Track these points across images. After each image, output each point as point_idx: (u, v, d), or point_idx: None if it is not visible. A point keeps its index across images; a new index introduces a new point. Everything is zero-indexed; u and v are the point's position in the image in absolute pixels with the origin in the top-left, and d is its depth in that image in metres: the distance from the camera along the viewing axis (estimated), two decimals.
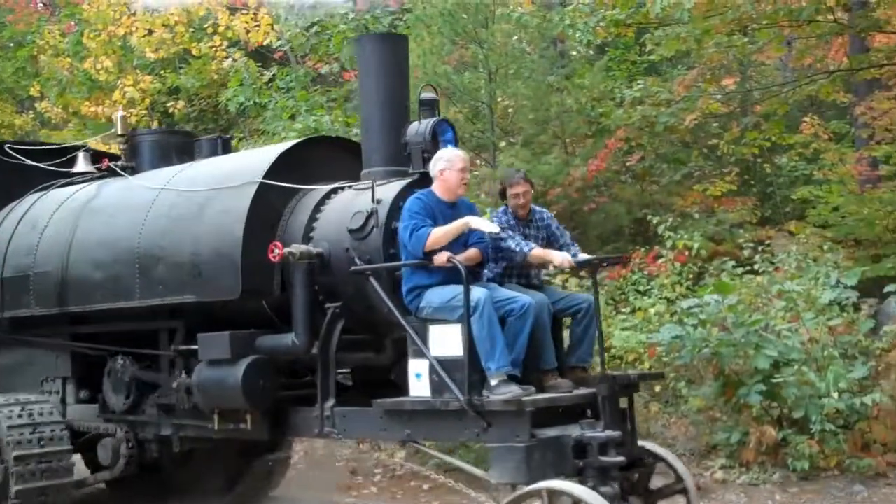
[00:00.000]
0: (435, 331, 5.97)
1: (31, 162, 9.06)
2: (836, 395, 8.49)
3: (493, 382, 5.75)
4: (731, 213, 14.37)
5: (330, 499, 9.40)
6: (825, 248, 11.64)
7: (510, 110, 15.29)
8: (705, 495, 8.40)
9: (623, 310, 11.11)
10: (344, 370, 7.27)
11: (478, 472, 6.28)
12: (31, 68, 20.93)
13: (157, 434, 7.67)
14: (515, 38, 15.16)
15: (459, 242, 6.16)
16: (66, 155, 9.27)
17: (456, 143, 6.69)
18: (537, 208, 6.85)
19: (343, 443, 10.60)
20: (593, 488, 5.46)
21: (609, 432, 5.67)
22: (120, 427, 7.79)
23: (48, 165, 9.07)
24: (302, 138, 8.85)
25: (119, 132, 8.91)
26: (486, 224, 6.12)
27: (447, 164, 6.26)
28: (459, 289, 5.83)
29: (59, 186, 8.98)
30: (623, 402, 6.08)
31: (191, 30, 17.62)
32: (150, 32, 17.31)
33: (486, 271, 6.48)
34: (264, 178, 6.86)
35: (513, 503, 5.54)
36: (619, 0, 13.89)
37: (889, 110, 15.62)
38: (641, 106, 14.85)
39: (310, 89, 16.47)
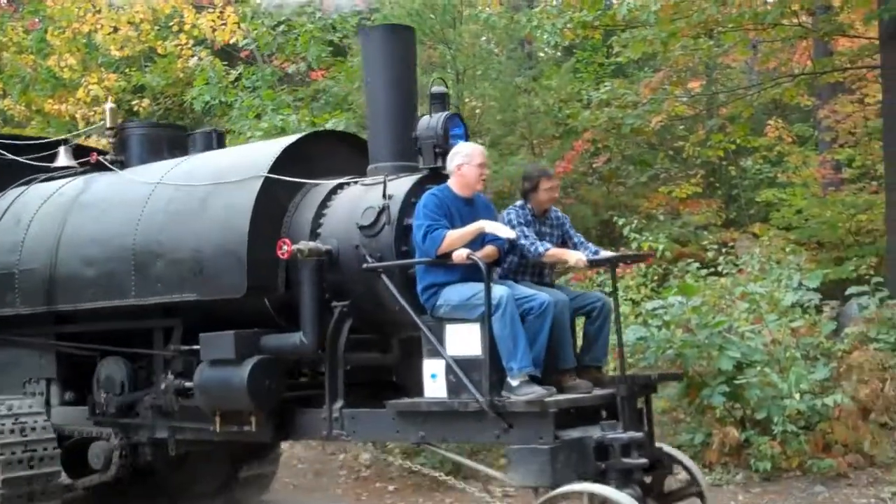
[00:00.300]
0: (452, 330, 5.82)
1: (10, 156, 8.71)
2: (797, 396, 8.55)
3: (515, 383, 5.61)
4: (696, 216, 14.49)
5: (295, 500, 9.35)
6: (788, 250, 11.75)
7: (478, 111, 15.30)
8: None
9: None
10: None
11: (495, 473, 6.18)
12: None
13: (151, 437, 7.36)
14: (483, 39, 15.20)
15: (475, 240, 6.00)
16: (46, 149, 8.92)
17: (467, 138, 6.55)
18: (552, 207, 6.69)
19: (309, 445, 10.55)
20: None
21: (632, 433, 5.56)
22: (113, 430, 7.48)
23: (29, 160, 8.72)
24: (307, 132, 8.54)
25: (108, 125, 8.56)
26: (502, 229, 5.97)
27: (465, 158, 6.10)
28: (479, 286, 5.69)
29: (42, 181, 8.66)
30: (639, 403, 5.97)
31: (156, 28, 17.46)
32: (116, 30, 17.13)
33: (498, 268, 6.34)
34: (269, 172, 6.66)
35: None
36: (587, 2, 13.94)
37: (852, 114, 15.84)
38: (608, 108, 14.94)
39: (276, 89, 16.38)
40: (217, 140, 8.31)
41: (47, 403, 7.97)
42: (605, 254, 6.50)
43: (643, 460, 5.55)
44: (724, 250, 11.12)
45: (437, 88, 6.65)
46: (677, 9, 13.37)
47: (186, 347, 6.96)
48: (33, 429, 7.43)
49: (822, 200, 15.24)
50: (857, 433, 8.74)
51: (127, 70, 17.95)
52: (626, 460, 5.51)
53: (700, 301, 9.28)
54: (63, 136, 9.69)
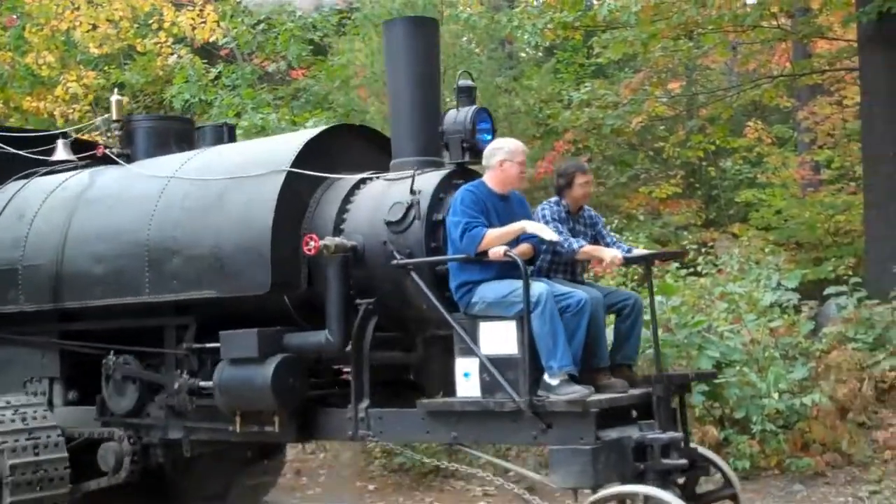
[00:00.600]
0: (486, 328, 5.65)
1: (10, 149, 8.42)
2: (776, 395, 8.59)
3: (554, 382, 5.43)
4: (676, 216, 14.54)
5: (275, 499, 9.31)
6: (767, 250, 11.81)
7: None
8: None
9: None
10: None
11: (536, 476, 6.07)
12: None
13: (163, 438, 7.12)
14: (464, 38, 15.19)
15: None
16: (42, 142, 8.62)
17: (494, 133, 6.40)
18: (585, 206, 6.53)
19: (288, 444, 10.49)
20: None
21: (672, 434, 5.44)
22: (123, 431, 7.22)
23: (27, 153, 8.42)
24: (329, 125, 8.38)
25: (114, 118, 8.31)
26: (545, 231, 5.82)
27: (508, 155, 5.94)
28: (516, 283, 5.52)
29: (43, 174, 8.41)
30: (673, 403, 5.82)
31: (136, 25, 17.37)
32: (94, 27, 17.02)
33: (532, 266, 6.16)
34: (291, 166, 6.47)
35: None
36: (567, 3, 13.97)
37: (831, 115, 15.94)
38: (589, 108, 14.97)
39: (256, 87, 16.34)
40: (228, 134, 8.15)
41: (50, 403, 7.75)
42: (639, 251, 6.39)
43: (683, 461, 5.45)
44: (703, 250, 11.17)
45: (464, 82, 6.46)
46: (657, 10, 13.44)
47: (200, 346, 6.79)
48: (34, 418, 7.28)
49: (801, 201, 15.34)
50: (835, 432, 8.79)
51: (106, 68, 17.84)
52: (665, 461, 5.39)
53: (679, 301, 9.31)
54: (63, 130, 9.45)
